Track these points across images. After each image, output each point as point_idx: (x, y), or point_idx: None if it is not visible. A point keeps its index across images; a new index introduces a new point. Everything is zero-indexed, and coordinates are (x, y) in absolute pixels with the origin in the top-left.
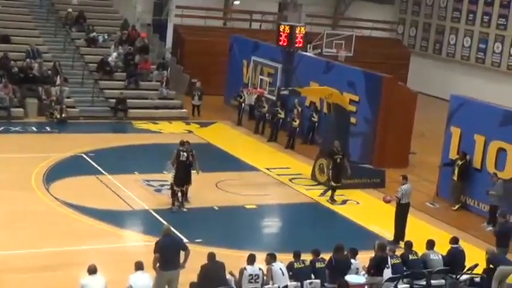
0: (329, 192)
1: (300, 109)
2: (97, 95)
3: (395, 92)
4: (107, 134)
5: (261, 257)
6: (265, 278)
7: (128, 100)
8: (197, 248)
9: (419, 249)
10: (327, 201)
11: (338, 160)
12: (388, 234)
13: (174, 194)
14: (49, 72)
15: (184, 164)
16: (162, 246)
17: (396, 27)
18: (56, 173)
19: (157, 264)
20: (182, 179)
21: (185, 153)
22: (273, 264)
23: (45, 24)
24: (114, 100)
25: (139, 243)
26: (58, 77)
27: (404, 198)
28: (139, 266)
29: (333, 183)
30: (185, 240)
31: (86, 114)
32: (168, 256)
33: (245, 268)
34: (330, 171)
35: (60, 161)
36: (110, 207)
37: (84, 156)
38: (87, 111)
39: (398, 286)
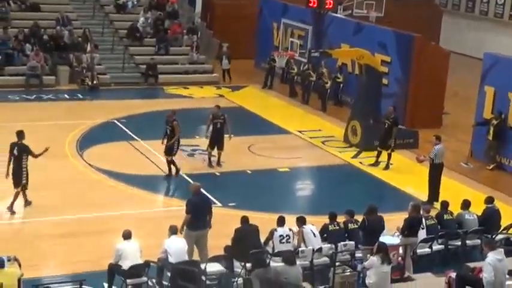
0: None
1: (328, 70)
2: (127, 61)
3: (427, 51)
4: (138, 100)
5: (294, 219)
6: (295, 241)
7: (158, 65)
8: (231, 212)
9: (454, 209)
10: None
11: (386, 125)
12: (422, 195)
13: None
14: (79, 39)
15: (217, 127)
16: (193, 206)
17: None
18: (88, 139)
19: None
20: (214, 142)
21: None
22: (304, 226)
23: None
24: (144, 66)
25: (173, 207)
26: (88, 44)
27: (438, 158)
28: (173, 231)
29: (378, 148)
30: (219, 204)
31: (117, 81)
32: (198, 216)
33: (275, 229)
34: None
35: (92, 128)
36: (143, 173)
37: (117, 122)
38: (118, 77)
39: (433, 247)
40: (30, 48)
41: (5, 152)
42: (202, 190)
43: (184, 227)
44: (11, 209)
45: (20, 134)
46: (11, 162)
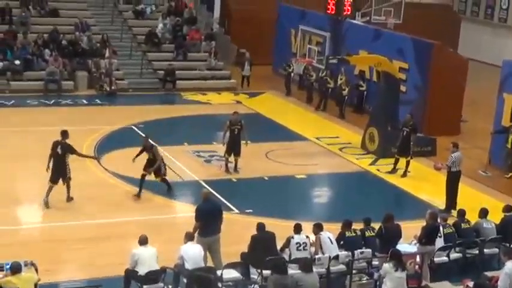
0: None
1: (346, 77)
2: (146, 66)
3: (445, 59)
4: (156, 106)
5: (311, 226)
6: (312, 248)
7: (176, 71)
8: (247, 218)
9: (472, 217)
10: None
11: (404, 133)
12: (439, 202)
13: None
14: (98, 45)
15: (234, 134)
16: (203, 213)
17: None
18: (106, 145)
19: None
20: (232, 148)
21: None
22: (321, 233)
23: None
24: (162, 72)
25: (190, 214)
26: (107, 50)
27: (455, 166)
28: (190, 237)
29: (396, 155)
30: (236, 210)
31: (135, 86)
32: (208, 222)
33: (292, 237)
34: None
35: (110, 133)
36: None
37: (134, 128)
38: (136, 83)
39: (451, 255)
40: (49, 54)
41: (26, 156)
42: (217, 195)
43: (196, 234)
44: (46, 202)
45: (64, 134)
46: (51, 160)
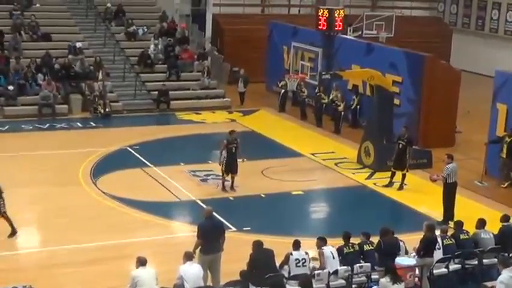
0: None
1: (341, 93)
2: (139, 88)
3: (438, 71)
4: (151, 127)
5: (309, 242)
6: (312, 263)
7: (170, 92)
8: (246, 236)
9: (470, 228)
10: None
11: (400, 146)
12: (437, 214)
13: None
14: (91, 67)
15: (232, 152)
16: (205, 230)
17: (437, 5)
18: (102, 167)
19: (199, 248)
20: (230, 167)
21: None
22: (323, 248)
23: (84, 20)
24: (156, 92)
25: (187, 233)
26: (100, 72)
27: (451, 177)
28: (189, 256)
29: (392, 169)
30: (233, 228)
31: (129, 108)
32: (210, 240)
33: (291, 253)
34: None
35: (106, 155)
36: (156, 199)
37: (129, 149)
38: (130, 104)
39: (450, 267)
40: (42, 78)
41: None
42: (215, 214)
43: (198, 252)
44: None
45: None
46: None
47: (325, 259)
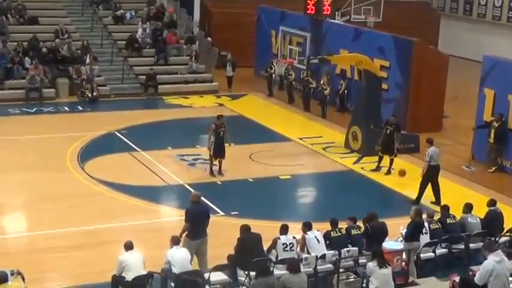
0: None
1: (328, 77)
2: (127, 72)
3: (426, 55)
4: (139, 111)
5: (297, 227)
6: (299, 248)
7: (157, 76)
8: (233, 221)
9: (456, 212)
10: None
11: (388, 131)
12: (425, 199)
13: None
14: (78, 51)
15: (219, 136)
16: (192, 215)
17: None
18: (90, 151)
19: (185, 233)
20: (219, 151)
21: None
22: (308, 232)
23: (71, 4)
24: (144, 76)
25: (175, 218)
26: (87, 56)
27: (434, 160)
28: (176, 241)
29: (380, 154)
30: (221, 213)
31: (117, 92)
32: (197, 225)
33: (279, 238)
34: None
35: (93, 140)
36: (144, 184)
37: (117, 133)
38: (118, 88)
39: (437, 251)
40: (30, 62)
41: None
42: (202, 199)
43: (184, 237)
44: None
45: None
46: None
47: (307, 243)
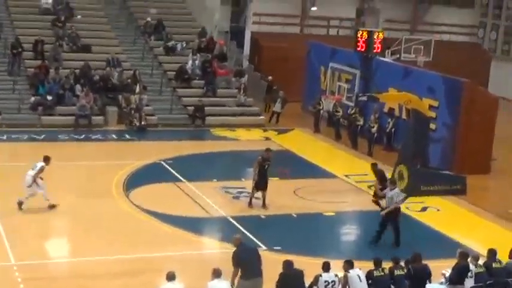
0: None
1: (376, 115)
2: (175, 102)
3: (475, 96)
4: (185, 142)
5: (339, 264)
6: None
7: (205, 107)
8: (276, 256)
9: (503, 258)
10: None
11: None
12: (470, 241)
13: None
14: (128, 80)
15: (264, 169)
16: (239, 257)
17: (476, 31)
18: (135, 180)
19: (238, 276)
20: (262, 184)
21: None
22: (350, 271)
23: (124, 33)
24: (192, 107)
25: (217, 250)
26: (137, 85)
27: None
28: (217, 273)
29: None
30: (263, 247)
31: (165, 122)
32: (249, 265)
33: (320, 275)
34: None
35: (139, 168)
36: (188, 214)
37: (163, 163)
38: (166, 118)
39: None
40: (80, 89)
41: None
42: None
43: (238, 279)
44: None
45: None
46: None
47: (349, 282)
